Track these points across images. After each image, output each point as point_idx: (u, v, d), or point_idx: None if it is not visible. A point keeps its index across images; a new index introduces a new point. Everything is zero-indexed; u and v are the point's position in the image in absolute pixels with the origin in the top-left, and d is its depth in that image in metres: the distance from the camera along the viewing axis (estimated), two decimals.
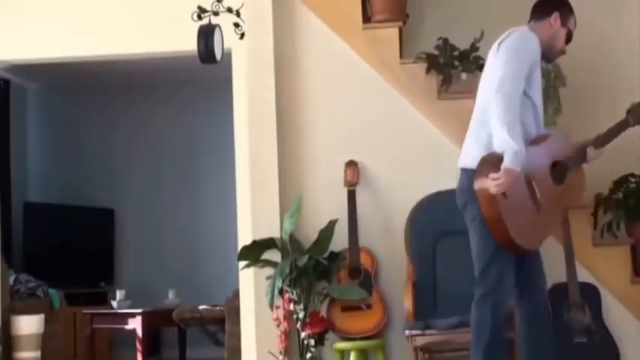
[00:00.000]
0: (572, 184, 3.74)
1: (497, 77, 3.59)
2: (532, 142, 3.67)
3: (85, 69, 8.29)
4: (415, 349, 4.39)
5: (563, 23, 3.87)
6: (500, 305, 3.63)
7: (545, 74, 5.01)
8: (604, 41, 5.51)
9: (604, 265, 4.86)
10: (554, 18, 3.86)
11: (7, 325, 6.62)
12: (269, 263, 4.92)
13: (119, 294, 7.91)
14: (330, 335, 4.82)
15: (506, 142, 3.45)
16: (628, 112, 3.78)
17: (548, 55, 3.89)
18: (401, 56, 5.17)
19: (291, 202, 5.02)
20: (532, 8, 3.97)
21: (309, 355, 4.75)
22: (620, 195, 5.12)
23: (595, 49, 5.49)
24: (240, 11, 5.24)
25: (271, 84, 5.14)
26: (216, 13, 5.19)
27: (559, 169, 3.71)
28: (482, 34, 5.14)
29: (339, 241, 4.91)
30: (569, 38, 3.90)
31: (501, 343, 3.63)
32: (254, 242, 4.99)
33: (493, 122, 3.53)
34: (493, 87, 3.58)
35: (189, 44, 5.20)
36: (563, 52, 3.92)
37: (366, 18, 5.27)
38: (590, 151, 3.77)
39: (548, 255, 4.80)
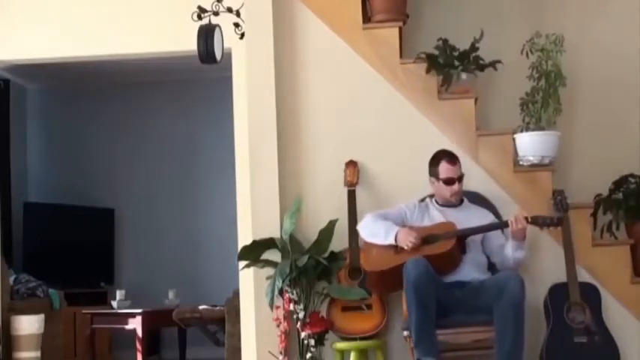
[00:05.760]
0: (439, 244, 4.52)
1: None
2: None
3: (85, 69, 8.29)
4: (412, 349, 4.38)
5: (437, 179, 4.66)
6: None
7: (545, 74, 5.01)
8: (604, 41, 5.50)
9: (604, 265, 4.85)
10: (431, 182, 4.72)
11: (7, 325, 6.62)
12: (269, 263, 4.92)
13: (119, 294, 7.92)
14: (330, 335, 4.81)
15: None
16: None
17: (447, 200, 4.69)
18: (401, 56, 5.16)
19: (291, 202, 5.02)
20: None
21: (309, 355, 4.75)
22: (620, 195, 5.12)
23: (595, 49, 5.49)
24: (240, 11, 5.24)
25: (271, 84, 5.13)
26: (216, 13, 5.19)
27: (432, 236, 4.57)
28: (482, 34, 5.14)
29: (339, 241, 4.90)
30: (450, 182, 4.62)
31: None
32: (254, 242, 4.98)
33: None
34: None
35: (189, 44, 5.20)
36: (453, 194, 4.65)
37: (366, 18, 5.27)
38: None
39: (549, 255, 4.83)
